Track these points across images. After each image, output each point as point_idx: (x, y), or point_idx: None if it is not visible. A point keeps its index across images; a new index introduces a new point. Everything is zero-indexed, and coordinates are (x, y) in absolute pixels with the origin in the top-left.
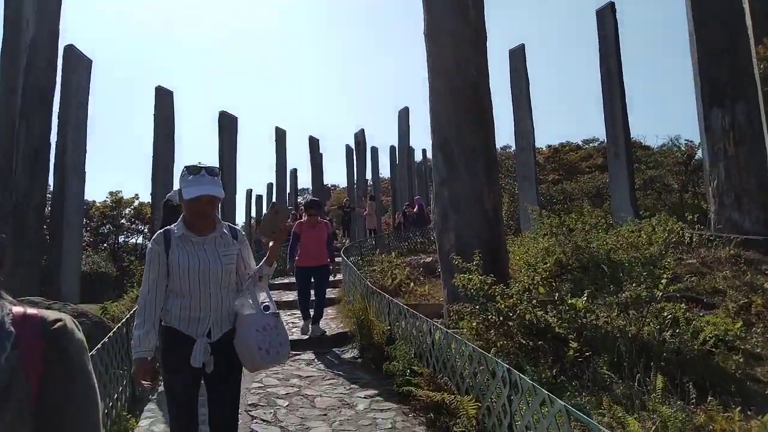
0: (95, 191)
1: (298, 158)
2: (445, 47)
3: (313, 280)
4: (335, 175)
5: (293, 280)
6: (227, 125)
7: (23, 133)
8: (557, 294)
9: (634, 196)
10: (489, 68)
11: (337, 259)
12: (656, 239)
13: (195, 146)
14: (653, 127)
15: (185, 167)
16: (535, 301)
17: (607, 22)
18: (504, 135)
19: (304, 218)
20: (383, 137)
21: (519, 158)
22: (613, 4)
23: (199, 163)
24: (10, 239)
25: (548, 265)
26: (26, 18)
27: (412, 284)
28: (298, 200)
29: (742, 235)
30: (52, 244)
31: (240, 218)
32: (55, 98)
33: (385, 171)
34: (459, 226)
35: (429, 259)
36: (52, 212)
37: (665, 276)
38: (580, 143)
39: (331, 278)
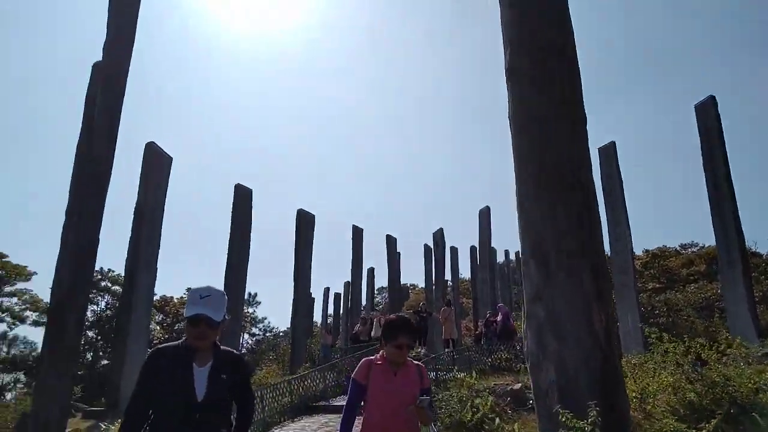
0: (174, 287)
1: (376, 257)
2: (534, 130)
3: None
4: (413, 274)
5: None
6: (304, 223)
7: (75, 223)
8: None
9: (755, 312)
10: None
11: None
12: None
13: (270, 244)
14: (764, 231)
15: None
16: None
17: (708, 117)
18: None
19: (379, 355)
20: (463, 237)
21: (616, 264)
22: (713, 98)
23: None
24: (46, 345)
25: None
26: (96, 112)
27: (497, 420)
28: (375, 300)
29: None
30: (116, 341)
31: (316, 317)
32: (111, 189)
33: (465, 272)
34: (561, 355)
35: (517, 387)
36: (120, 307)
37: None
38: (678, 248)
39: None
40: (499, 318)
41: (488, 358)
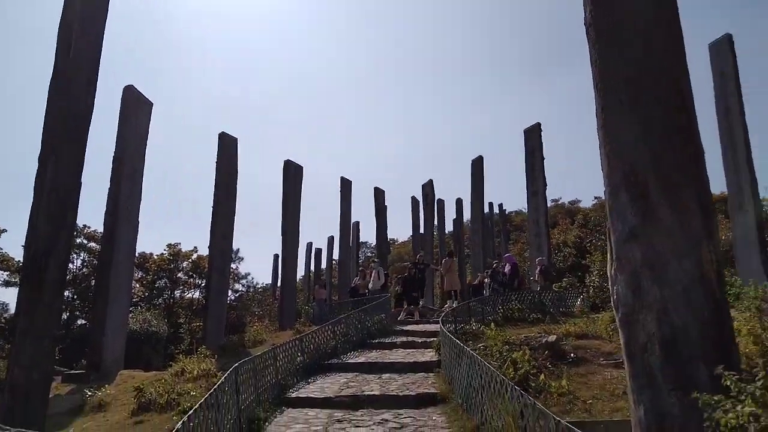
0: (154, 244)
1: (358, 211)
2: (621, 35)
3: None
4: (392, 229)
5: None
6: (292, 174)
7: (50, 170)
8: None
9: (766, 257)
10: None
11: (430, 327)
12: None
13: (258, 197)
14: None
15: None
16: None
17: (723, 57)
18: (592, 186)
19: None
20: (442, 191)
21: None
22: (730, 37)
23: None
24: (21, 305)
25: None
26: (73, 38)
27: (542, 376)
28: (359, 253)
29: None
30: (96, 299)
31: (300, 272)
32: (91, 131)
33: (447, 226)
34: (664, 304)
35: (552, 339)
36: (99, 263)
37: None
38: None
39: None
40: (507, 268)
41: (500, 309)
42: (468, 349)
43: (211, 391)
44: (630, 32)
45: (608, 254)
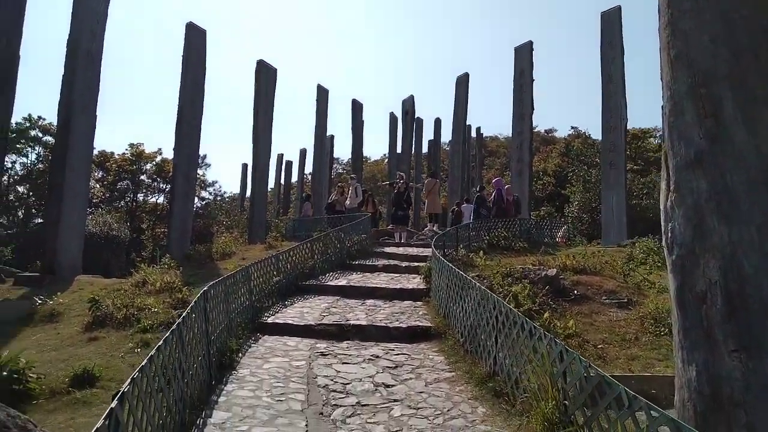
0: (116, 142)
1: (331, 126)
2: None
3: None
4: (365, 145)
5: None
6: (265, 77)
7: None
8: None
9: None
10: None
11: (411, 251)
12: None
13: (227, 98)
14: None
15: None
16: None
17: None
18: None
19: None
20: (420, 110)
21: (606, 140)
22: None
23: None
24: None
25: None
26: None
27: (546, 315)
28: (333, 167)
29: None
30: (50, 197)
31: (270, 184)
32: (38, 18)
33: (424, 146)
34: (733, 247)
35: (552, 272)
36: (53, 158)
37: None
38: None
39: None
40: (493, 194)
41: (485, 236)
42: (476, 282)
43: (173, 327)
44: None
45: (663, 182)
